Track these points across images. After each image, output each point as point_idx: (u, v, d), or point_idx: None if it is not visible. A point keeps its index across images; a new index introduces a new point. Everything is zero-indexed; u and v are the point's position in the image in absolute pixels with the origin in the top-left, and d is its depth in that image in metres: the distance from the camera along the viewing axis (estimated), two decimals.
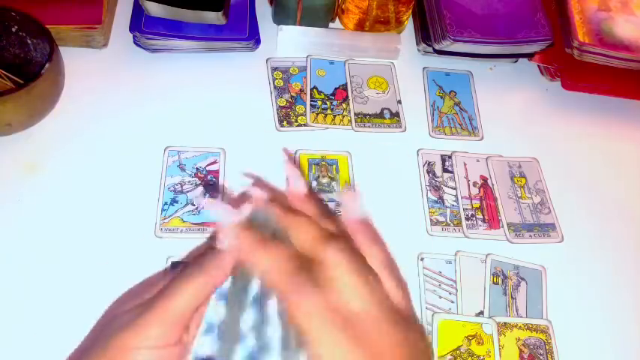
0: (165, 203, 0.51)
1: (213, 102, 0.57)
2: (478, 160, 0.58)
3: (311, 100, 0.59)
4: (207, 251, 0.32)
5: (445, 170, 0.57)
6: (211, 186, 0.52)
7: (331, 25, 0.65)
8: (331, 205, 0.53)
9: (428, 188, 0.56)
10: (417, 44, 0.66)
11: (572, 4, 0.63)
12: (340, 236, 0.32)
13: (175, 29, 0.58)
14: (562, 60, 0.63)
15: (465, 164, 0.58)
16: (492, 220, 0.54)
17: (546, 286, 0.51)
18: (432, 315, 0.48)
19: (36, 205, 0.49)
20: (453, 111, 0.61)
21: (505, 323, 0.49)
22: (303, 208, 0.34)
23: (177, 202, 0.51)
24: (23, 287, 0.45)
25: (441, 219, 0.54)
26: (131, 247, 0.48)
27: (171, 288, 0.30)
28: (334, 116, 0.59)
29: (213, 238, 0.33)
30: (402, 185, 0.55)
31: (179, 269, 0.33)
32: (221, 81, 0.59)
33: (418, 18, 0.66)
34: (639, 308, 0.52)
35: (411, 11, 0.64)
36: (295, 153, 0.56)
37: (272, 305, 0.31)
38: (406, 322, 0.31)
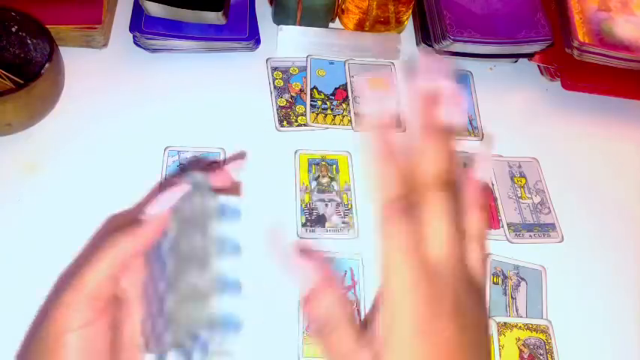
0: None
1: (213, 102, 0.57)
2: None
3: (311, 100, 0.59)
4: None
5: None
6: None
7: (331, 25, 0.65)
8: (332, 204, 0.53)
9: None
10: (417, 44, 0.66)
11: (572, 4, 0.63)
12: (456, 188, 0.31)
13: (175, 29, 0.58)
14: (562, 60, 0.63)
15: (465, 164, 0.58)
16: (492, 220, 0.54)
17: (546, 286, 0.51)
18: None
19: (36, 205, 0.49)
20: None
21: (505, 323, 0.49)
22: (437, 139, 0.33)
23: None
24: (23, 287, 0.45)
25: None
26: None
27: (80, 266, 0.30)
28: (334, 116, 0.59)
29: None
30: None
31: None
32: (221, 81, 0.59)
33: (418, 18, 0.66)
34: (639, 308, 0.52)
35: (411, 11, 0.64)
36: (295, 153, 0.56)
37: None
38: (477, 294, 0.30)
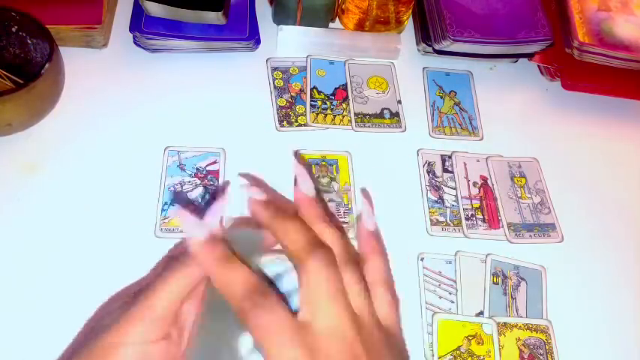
0: (165, 203, 0.51)
1: (213, 102, 0.57)
2: (478, 160, 0.58)
3: (311, 100, 0.59)
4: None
5: (445, 170, 0.57)
6: (213, 189, 0.52)
7: (331, 25, 0.65)
8: (331, 205, 0.53)
9: (428, 188, 0.56)
10: (417, 44, 0.66)
11: (572, 4, 0.63)
12: (328, 248, 0.31)
13: (175, 29, 0.58)
14: (562, 60, 0.63)
15: (464, 164, 0.58)
16: (492, 220, 0.54)
17: (546, 286, 0.51)
18: (432, 315, 0.48)
19: (36, 205, 0.49)
20: (453, 111, 0.61)
21: (505, 323, 0.49)
22: (308, 210, 0.34)
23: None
24: (23, 287, 0.45)
25: (441, 219, 0.54)
26: (131, 247, 0.48)
27: (153, 284, 0.31)
28: (334, 116, 0.59)
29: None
30: (402, 185, 0.55)
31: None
32: (221, 81, 0.59)
33: (418, 18, 0.66)
34: (639, 308, 0.52)
35: (411, 11, 0.64)
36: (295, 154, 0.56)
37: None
38: (388, 340, 0.31)
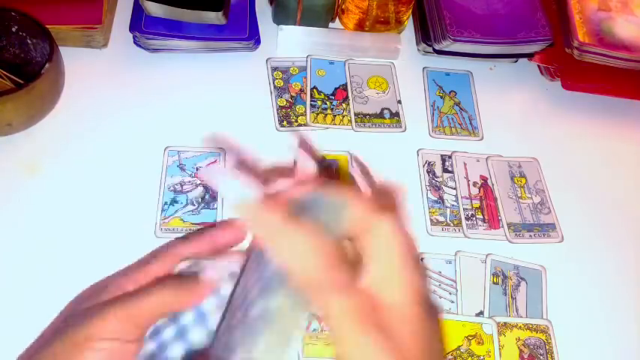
0: (166, 203, 0.51)
1: (213, 102, 0.57)
2: (478, 160, 0.58)
3: (311, 100, 0.59)
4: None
5: (445, 170, 0.57)
6: (213, 190, 0.52)
7: (331, 25, 0.65)
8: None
9: (428, 188, 0.56)
10: (417, 44, 0.66)
11: (572, 4, 0.63)
12: (393, 212, 0.29)
13: (175, 29, 0.58)
14: (562, 60, 0.63)
15: (464, 164, 0.58)
16: (492, 220, 0.54)
17: (546, 286, 0.51)
18: None
19: (36, 205, 0.49)
20: (453, 111, 0.61)
21: (505, 323, 0.49)
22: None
23: (177, 202, 0.51)
24: (23, 287, 0.45)
25: (441, 219, 0.54)
26: (131, 247, 0.48)
27: (148, 291, 0.32)
28: (334, 116, 0.59)
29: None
30: (402, 185, 0.55)
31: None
32: (221, 81, 0.59)
33: (418, 18, 0.66)
34: (639, 308, 0.52)
35: (411, 11, 0.64)
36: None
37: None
38: (437, 316, 0.29)
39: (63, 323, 0.33)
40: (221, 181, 0.29)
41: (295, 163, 0.33)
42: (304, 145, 0.33)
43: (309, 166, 0.32)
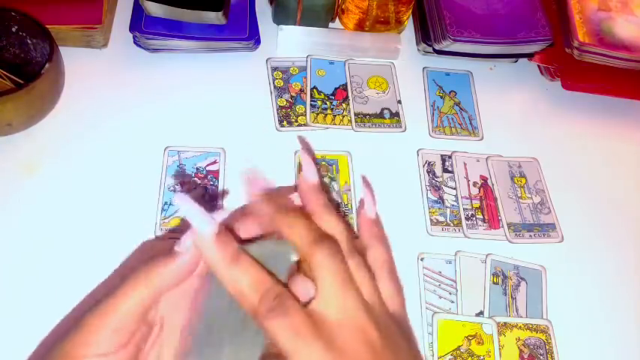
0: (166, 203, 0.51)
1: (213, 102, 0.57)
2: (478, 160, 0.58)
3: (311, 100, 0.59)
4: (160, 254, 0.31)
5: (445, 170, 0.57)
6: (213, 190, 0.52)
7: (331, 25, 0.65)
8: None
9: (428, 188, 0.56)
10: (417, 44, 0.66)
11: (572, 4, 0.63)
12: (333, 239, 0.31)
13: (175, 29, 0.58)
14: (562, 60, 0.63)
15: (464, 164, 0.58)
16: (492, 220, 0.55)
17: (546, 286, 0.51)
18: (432, 315, 0.48)
19: (36, 205, 0.49)
20: (453, 111, 0.62)
21: (505, 323, 0.49)
22: (311, 198, 0.34)
23: None
24: (22, 287, 0.45)
25: (441, 219, 0.54)
26: (131, 247, 0.48)
27: (116, 291, 0.29)
28: (334, 116, 0.59)
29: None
30: (402, 185, 0.55)
31: None
32: (221, 81, 0.59)
33: (418, 18, 0.66)
34: (639, 308, 0.52)
35: (411, 11, 0.64)
36: (295, 153, 0.56)
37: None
38: (397, 325, 0.31)
39: (55, 339, 0.31)
40: (186, 211, 0.30)
41: (300, 168, 0.35)
42: (308, 153, 0.35)
43: (313, 175, 0.34)
